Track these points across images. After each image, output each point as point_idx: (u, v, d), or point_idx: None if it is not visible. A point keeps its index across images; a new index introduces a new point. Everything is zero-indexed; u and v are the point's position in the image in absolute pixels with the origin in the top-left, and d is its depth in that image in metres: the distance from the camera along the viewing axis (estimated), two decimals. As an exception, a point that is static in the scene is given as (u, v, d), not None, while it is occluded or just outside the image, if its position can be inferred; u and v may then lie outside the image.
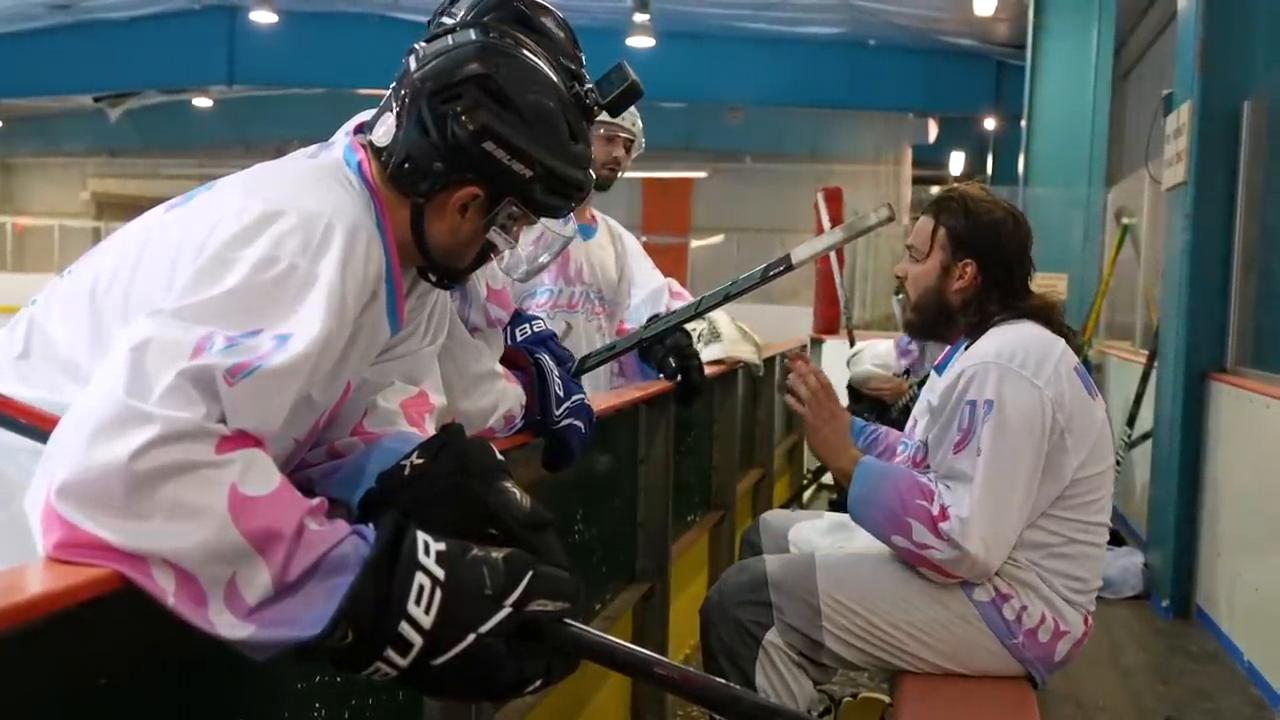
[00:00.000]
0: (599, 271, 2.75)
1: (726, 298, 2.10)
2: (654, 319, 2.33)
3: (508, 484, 1.12)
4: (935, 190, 2.21)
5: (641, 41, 10.83)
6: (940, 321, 2.11)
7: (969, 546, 1.87)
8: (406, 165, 1.21)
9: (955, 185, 2.20)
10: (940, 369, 2.12)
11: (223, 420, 0.93)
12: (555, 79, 1.24)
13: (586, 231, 2.74)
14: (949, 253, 2.07)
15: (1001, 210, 2.09)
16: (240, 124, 15.97)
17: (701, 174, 17.31)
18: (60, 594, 0.81)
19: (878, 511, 1.96)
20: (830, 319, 6.69)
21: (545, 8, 1.33)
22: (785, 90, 12.54)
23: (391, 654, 0.95)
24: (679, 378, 2.40)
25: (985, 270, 2.05)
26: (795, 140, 15.72)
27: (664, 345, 2.34)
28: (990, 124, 12.29)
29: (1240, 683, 3.37)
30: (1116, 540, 4.50)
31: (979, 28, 10.50)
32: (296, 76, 13.24)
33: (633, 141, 2.66)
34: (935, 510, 1.90)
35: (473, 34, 1.23)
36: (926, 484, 1.95)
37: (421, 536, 0.98)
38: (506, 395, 1.57)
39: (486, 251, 1.30)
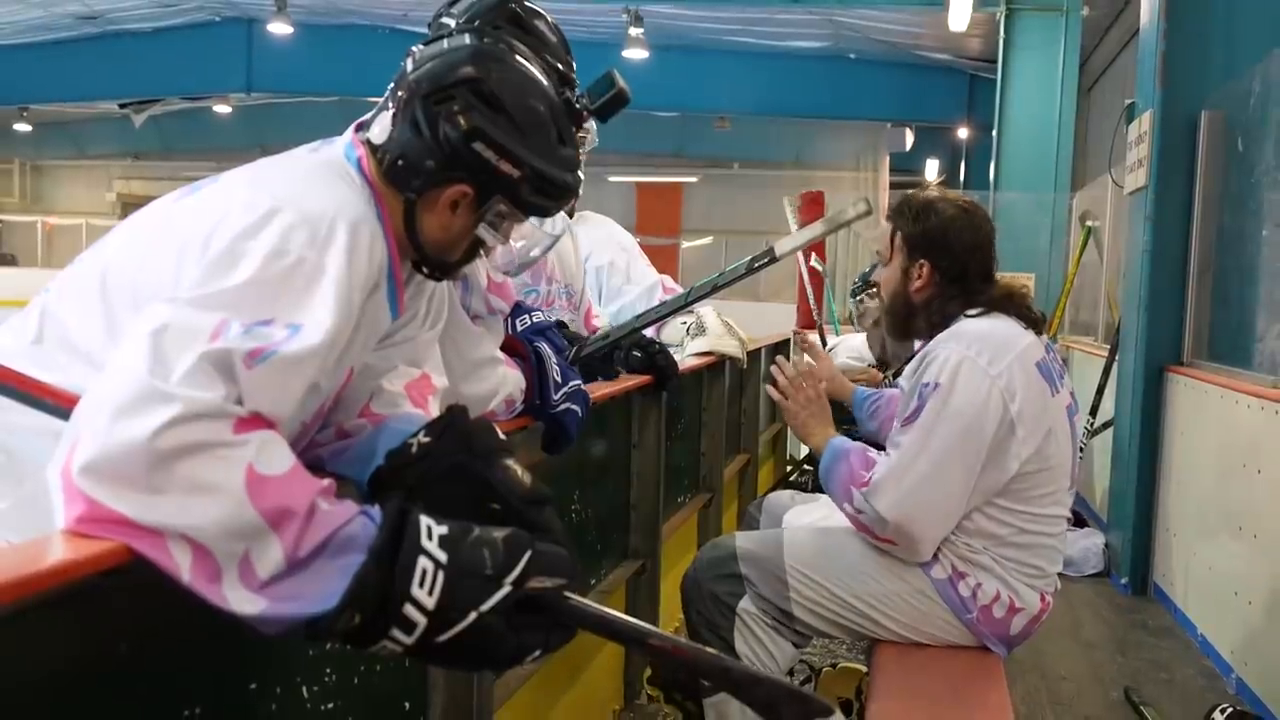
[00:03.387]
0: (565, 267, 2.67)
1: (714, 288, 2.08)
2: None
3: (509, 462, 1.12)
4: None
5: (636, 54, 10.77)
6: (909, 320, 2.11)
7: (878, 506, 1.87)
8: (400, 163, 1.20)
9: (914, 191, 2.18)
10: None
11: (239, 402, 0.91)
12: (546, 84, 1.23)
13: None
14: (906, 255, 2.06)
15: (954, 209, 2.05)
16: (257, 130, 15.85)
17: (692, 179, 17.27)
18: (81, 563, 0.80)
19: (835, 483, 1.99)
20: (811, 315, 6.68)
21: (539, 12, 1.31)
22: (771, 101, 12.52)
23: (397, 633, 0.94)
24: (652, 371, 2.36)
25: (939, 269, 2.03)
26: (780, 148, 15.68)
27: (639, 348, 2.30)
28: (963, 133, 12.26)
29: (1194, 655, 3.38)
30: (1079, 522, 4.52)
31: (953, 43, 10.47)
32: (311, 85, 13.15)
33: None
34: (870, 478, 1.92)
35: (467, 38, 1.21)
36: (874, 457, 1.96)
37: (424, 521, 0.96)
38: (506, 380, 1.56)
39: (477, 246, 1.29)
